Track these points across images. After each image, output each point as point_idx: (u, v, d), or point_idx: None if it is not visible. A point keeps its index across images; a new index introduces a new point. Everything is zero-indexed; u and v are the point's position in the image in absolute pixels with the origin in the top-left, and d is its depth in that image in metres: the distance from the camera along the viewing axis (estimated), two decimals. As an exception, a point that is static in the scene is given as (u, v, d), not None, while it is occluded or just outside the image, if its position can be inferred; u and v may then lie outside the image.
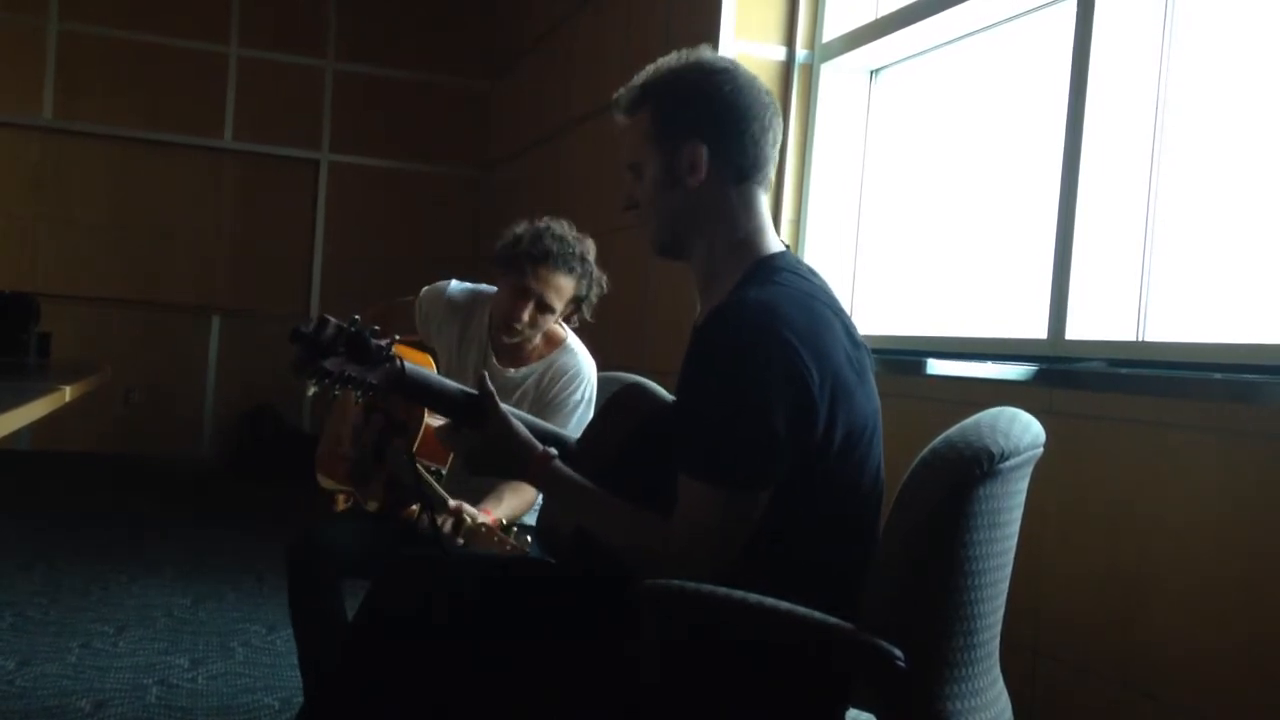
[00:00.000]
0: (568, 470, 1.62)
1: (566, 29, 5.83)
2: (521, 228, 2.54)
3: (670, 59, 1.63)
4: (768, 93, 1.63)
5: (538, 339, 2.59)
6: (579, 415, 2.52)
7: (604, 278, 2.58)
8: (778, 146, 1.63)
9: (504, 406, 1.70)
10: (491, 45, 7.49)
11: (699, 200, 1.60)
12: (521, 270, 2.46)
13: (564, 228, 2.52)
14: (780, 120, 1.64)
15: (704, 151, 1.58)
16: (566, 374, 2.55)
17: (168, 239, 7.43)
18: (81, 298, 7.08)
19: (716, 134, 1.58)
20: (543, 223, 2.52)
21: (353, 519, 2.56)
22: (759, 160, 1.60)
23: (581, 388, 2.54)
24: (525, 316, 2.48)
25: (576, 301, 2.54)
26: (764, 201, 1.64)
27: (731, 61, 1.64)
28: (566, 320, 2.61)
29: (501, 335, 2.54)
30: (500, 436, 1.66)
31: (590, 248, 2.55)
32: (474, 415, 1.69)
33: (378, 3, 7.58)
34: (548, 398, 2.53)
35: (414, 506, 2.47)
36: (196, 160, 7.42)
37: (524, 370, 2.59)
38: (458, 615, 1.61)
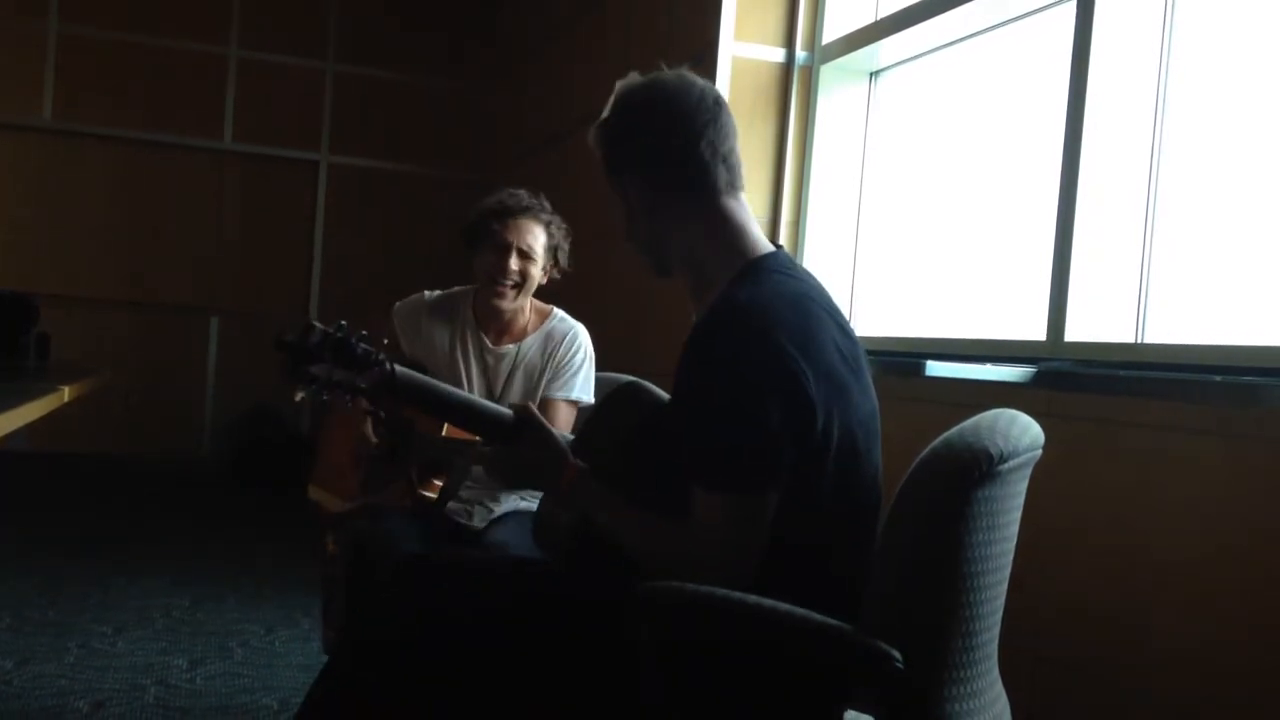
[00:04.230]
0: (595, 483, 1.62)
1: (567, 32, 5.83)
2: (476, 206, 2.70)
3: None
4: (700, 96, 1.61)
5: (528, 312, 2.71)
6: (585, 372, 2.69)
7: (566, 225, 2.72)
8: (727, 147, 1.61)
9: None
10: (492, 48, 7.50)
11: (657, 226, 1.64)
12: (493, 230, 2.61)
13: (515, 189, 2.68)
14: (724, 116, 1.61)
15: (639, 184, 1.62)
16: (566, 337, 2.69)
17: (167, 240, 7.42)
18: (81, 299, 7.08)
19: (643, 167, 1.62)
20: (494, 194, 2.69)
21: (398, 520, 2.54)
22: (701, 174, 1.60)
23: (582, 347, 2.71)
24: (513, 266, 2.60)
25: (553, 251, 2.67)
26: (734, 207, 1.63)
27: (645, 86, 1.64)
28: (547, 274, 2.71)
29: (494, 300, 2.63)
30: (535, 456, 1.66)
31: (544, 200, 2.70)
32: (489, 427, 1.70)
33: (378, 5, 7.59)
34: (555, 364, 2.67)
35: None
36: (196, 161, 7.43)
37: (520, 345, 2.69)
38: (459, 616, 1.61)
